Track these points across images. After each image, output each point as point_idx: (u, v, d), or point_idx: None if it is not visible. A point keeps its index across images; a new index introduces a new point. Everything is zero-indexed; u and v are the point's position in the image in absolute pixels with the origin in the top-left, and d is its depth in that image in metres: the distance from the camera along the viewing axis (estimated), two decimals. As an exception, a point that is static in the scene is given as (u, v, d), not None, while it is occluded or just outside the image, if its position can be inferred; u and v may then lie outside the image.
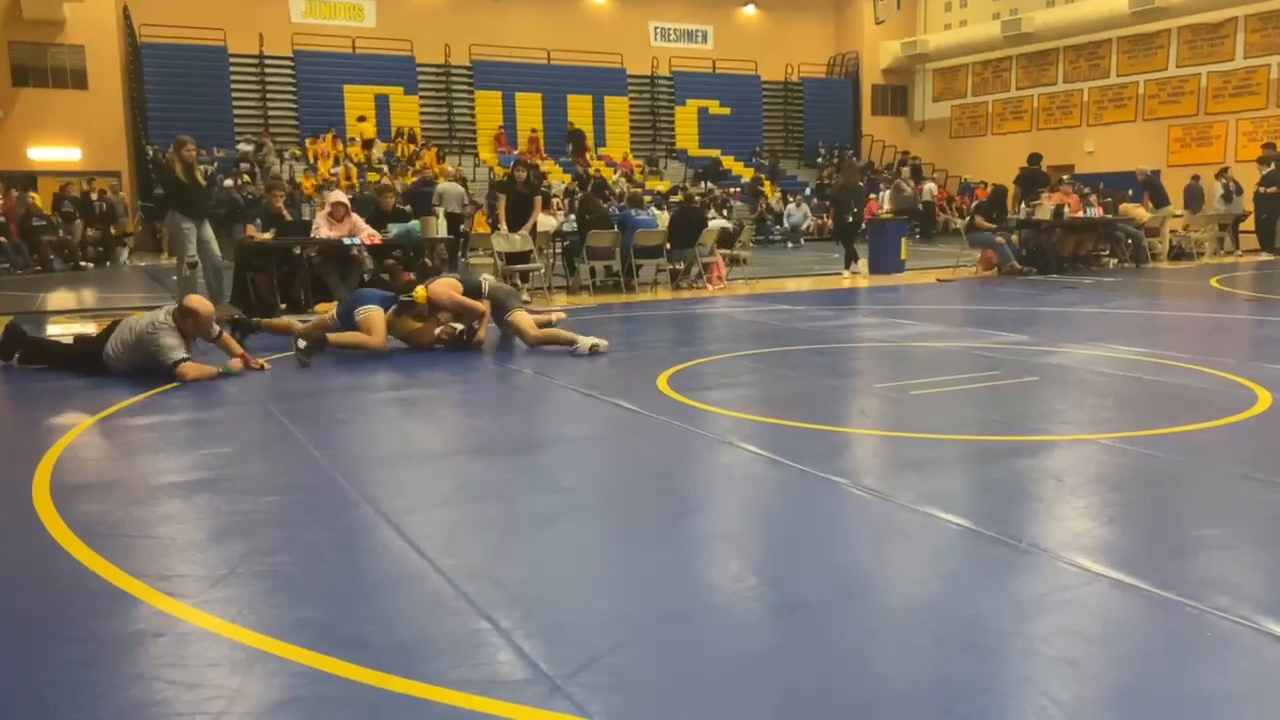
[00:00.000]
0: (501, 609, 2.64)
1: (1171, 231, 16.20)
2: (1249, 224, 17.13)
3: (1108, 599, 2.70)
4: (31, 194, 18.24)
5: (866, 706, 2.16)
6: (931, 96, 31.21)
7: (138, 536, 3.31)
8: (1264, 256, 16.18)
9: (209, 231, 9.58)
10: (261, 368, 6.53)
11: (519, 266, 11.66)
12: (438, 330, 7.28)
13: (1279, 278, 13.24)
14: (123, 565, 2.99)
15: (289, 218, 12.53)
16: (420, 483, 4.03)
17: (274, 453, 4.47)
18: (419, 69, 26.36)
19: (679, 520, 3.49)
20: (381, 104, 25.60)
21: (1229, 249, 16.88)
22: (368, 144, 24.24)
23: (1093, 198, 15.98)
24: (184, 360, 6.15)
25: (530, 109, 27.24)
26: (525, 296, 9.71)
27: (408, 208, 11.30)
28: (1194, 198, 18.25)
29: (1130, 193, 17.78)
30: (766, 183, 26.73)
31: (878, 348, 7.53)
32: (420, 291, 7.25)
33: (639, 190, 16.06)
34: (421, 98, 26.43)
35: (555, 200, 17.72)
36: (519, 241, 11.66)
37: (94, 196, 19.14)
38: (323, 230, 9.72)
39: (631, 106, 28.72)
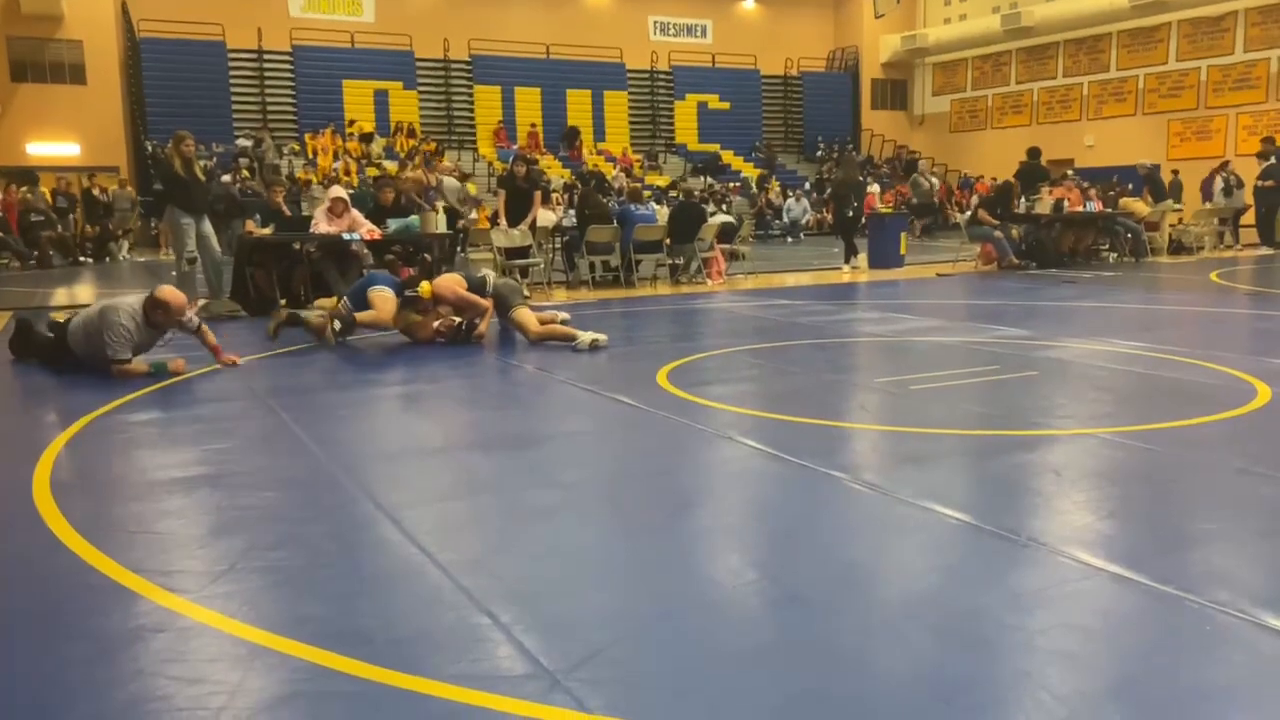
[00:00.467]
0: (501, 604, 2.64)
1: (1171, 226, 16.20)
2: (1249, 218, 17.13)
3: (1107, 593, 2.70)
4: (38, 189, 18.25)
5: (866, 700, 2.16)
6: (931, 90, 31.19)
7: (138, 532, 3.31)
8: (1264, 251, 16.18)
9: (208, 227, 9.57)
10: (234, 364, 6.45)
11: (518, 262, 11.65)
12: (437, 324, 7.31)
13: (1278, 272, 13.23)
14: (123, 561, 3.00)
15: (288, 213, 12.53)
16: (420, 477, 4.03)
17: (274, 448, 4.47)
18: (418, 64, 26.34)
19: (679, 515, 3.49)
20: (380, 99, 25.58)
21: (1229, 243, 16.88)
22: (365, 138, 24.22)
23: (1093, 192, 15.97)
24: (125, 361, 6.04)
25: (529, 104, 27.22)
26: (525, 292, 9.71)
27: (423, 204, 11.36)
28: (1174, 191, 18.30)
29: (1130, 186, 17.79)
30: (773, 181, 26.70)
31: (877, 342, 7.53)
32: (425, 286, 7.34)
33: (638, 185, 16.04)
34: (420, 93, 26.40)
35: (555, 195, 17.72)
36: (518, 237, 11.66)
37: (95, 192, 19.14)
38: (322, 225, 9.72)
39: (631, 101, 28.69)
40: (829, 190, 20.85)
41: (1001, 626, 2.49)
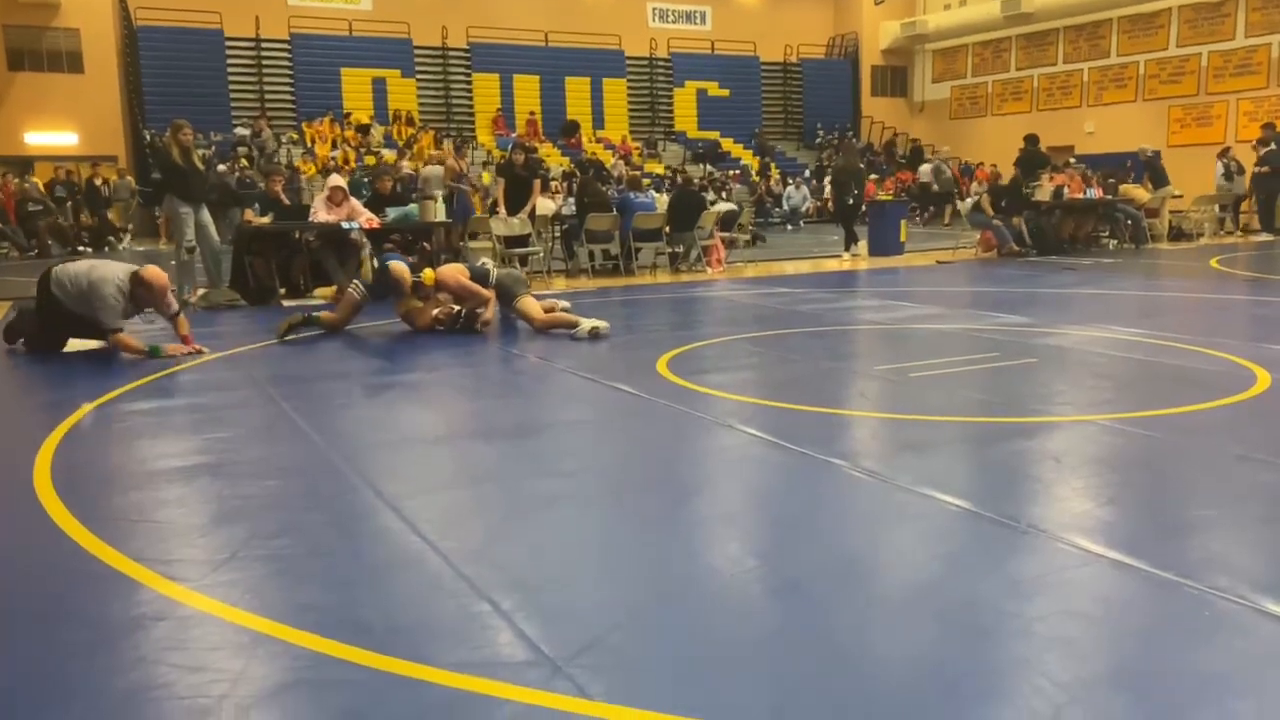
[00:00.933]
0: (502, 591, 2.65)
1: (1171, 212, 16.18)
2: (1250, 204, 17.10)
3: (1106, 579, 2.71)
4: (31, 178, 18.21)
5: (865, 687, 2.17)
6: (931, 77, 31.08)
7: (139, 521, 3.31)
8: (1264, 237, 16.16)
9: (207, 216, 9.56)
10: (199, 352, 6.46)
11: (518, 250, 11.64)
12: (436, 311, 7.32)
13: (1278, 258, 13.22)
14: (124, 550, 3.00)
15: (287, 202, 12.50)
16: (421, 466, 4.04)
17: (274, 437, 4.47)
18: (416, 51, 26.23)
19: (679, 503, 3.50)
20: (379, 87, 25.49)
21: (1229, 229, 16.85)
22: (362, 129, 24.14)
23: (1094, 179, 15.94)
24: (120, 330, 6.30)
25: (528, 91, 27.12)
26: (528, 282, 9.70)
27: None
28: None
29: (1129, 164, 17.73)
30: (773, 167, 26.62)
31: (877, 330, 7.53)
32: (429, 273, 7.40)
33: (638, 173, 16.00)
34: (419, 81, 26.31)
35: (554, 184, 17.67)
36: (518, 225, 11.64)
37: (97, 182, 19.09)
38: (321, 214, 9.71)
39: (630, 88, 28.60)
40: (829, 177, 20.80)
41: (1001, 613, 2.50)
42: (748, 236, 14.77)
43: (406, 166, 17.29)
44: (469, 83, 26.91)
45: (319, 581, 2.78)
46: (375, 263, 7.38)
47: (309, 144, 23.34)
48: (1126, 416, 4.49)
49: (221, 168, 18.68)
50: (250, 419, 4.85)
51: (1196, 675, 2.18)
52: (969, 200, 16.04)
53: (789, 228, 23.12)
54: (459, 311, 7.34)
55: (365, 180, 15.29)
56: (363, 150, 23.08)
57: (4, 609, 2.67)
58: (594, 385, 5.49)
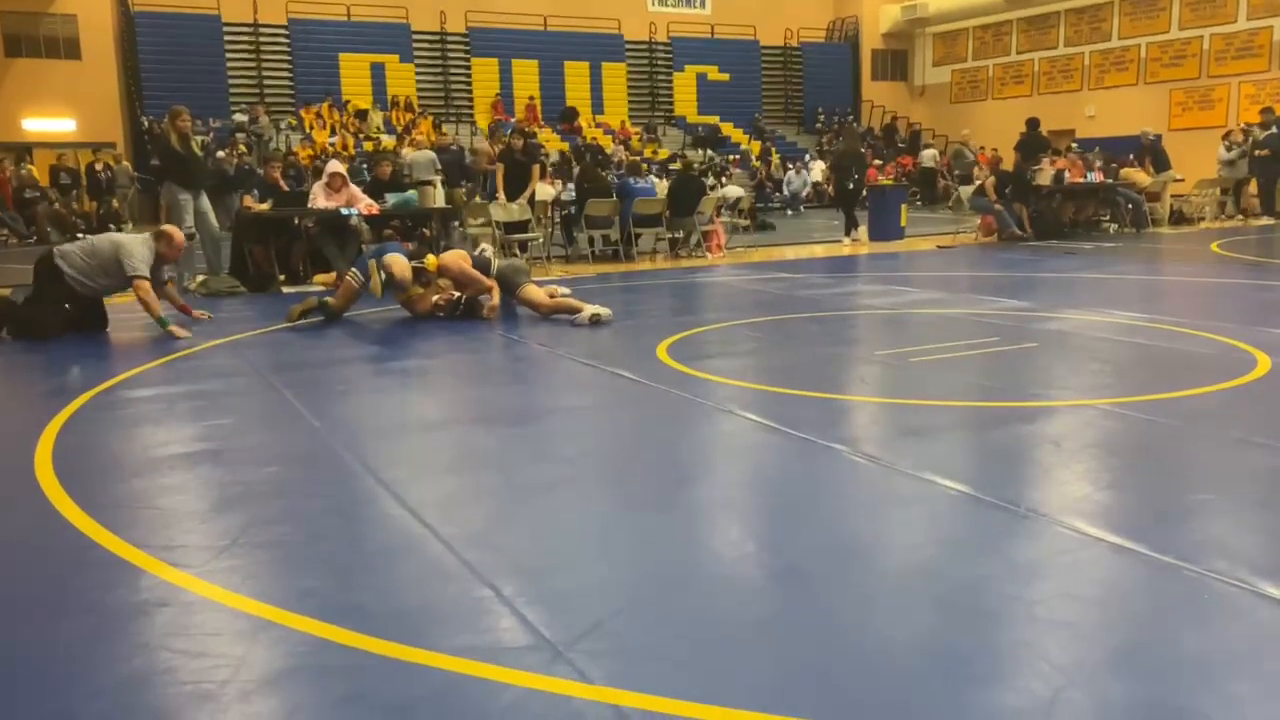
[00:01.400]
0: (503, 576, 2.65)
1: (1172, 196, 16.13)
2: (1253, 187, 17.04)
3: (1106, 563, 2.72)
4: (29, 165, 18.16)
5: (866, 671, 2.17)
6: (931, 61, 30.96)
7: (140, 508, 3.32)
8: (1265, 220, 16.12)
9: (206, 203, 9.55)
10: (206, 318, 7.25)
11: (517, 236, 11.62)
12: (436, 297, 7.32)
13: (1279, 242, 13.19)
14: (126, 536, 3.01)
15: (286, 188, 12.48)
16: (421, 452, 4.04)
17: (275, 424, 4.47)
18: (414, 36, 26.12)
19: (679, 488, 3.50)
20: (377, 72, 25.39)
21: (1230, 213, 16.81)
22: (361, 115, 24.06)
23: (1096, 163, 15.89)
24: (146, 278, 6.69)
25: (527, 76, 27.02)
26: (528, 269, 9.69)
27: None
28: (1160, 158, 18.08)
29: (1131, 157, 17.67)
30: (774, 152, 26.53)
31: (877, 315, 7.52)
32: (431, 259, 7.42)
33: (637, 158, 15.96)
34: (417, 65, 26.20)
35: (549, 170, 17.61)
36: (517, 211, 11.61)
37: (98, 168, 19.04)
38: (320, 200, 9.68)
39: (629, 73, 28.49)
40: (830, 161, 20.75)
41: (1001, 597, 2.50)
42: (746, 222, 14.76)
43: (406, 152, 17.23)
44: (468, 67, 26.80)
45: (320, 567, 2.79)
46: (382, 273, 7.27)
47: (307, 130, 23.26)
48: (1126, 401, 4.49)
49: (221, 154, 18.62)
50: (251, 405, 4.85)
51: (1195, 658, 2.18)
52: (971, 185, 16.00)
53: (789, 213, 23.07)
54: (459, 298, 7.35)
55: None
56: (361, 136, 23.01)
57: (6, 596, 2.68)
58: (594, 371, 5.49)
